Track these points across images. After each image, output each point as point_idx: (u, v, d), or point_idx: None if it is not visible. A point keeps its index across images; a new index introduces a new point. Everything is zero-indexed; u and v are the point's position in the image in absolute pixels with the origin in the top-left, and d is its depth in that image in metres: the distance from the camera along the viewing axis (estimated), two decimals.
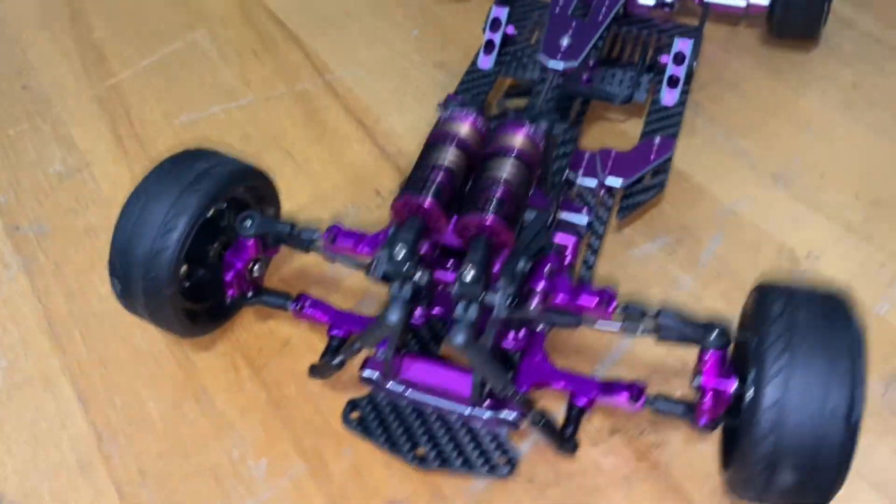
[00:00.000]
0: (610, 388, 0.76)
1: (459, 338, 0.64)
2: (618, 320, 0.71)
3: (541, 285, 0.72)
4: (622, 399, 0.75)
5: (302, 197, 1.01)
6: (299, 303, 0.82)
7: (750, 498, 0.69)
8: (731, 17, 1.25)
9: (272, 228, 0.79)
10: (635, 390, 0.75)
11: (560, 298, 0.72)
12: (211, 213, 0.79)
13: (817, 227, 0.94)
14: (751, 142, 1.05)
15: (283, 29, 1.28)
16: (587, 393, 0.76)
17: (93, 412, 0.83)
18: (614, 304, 0.71)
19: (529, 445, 0.78)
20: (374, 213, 0.99)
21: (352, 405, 0.78)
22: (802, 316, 0.63)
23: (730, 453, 0.73)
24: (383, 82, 1.18)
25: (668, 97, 1.02)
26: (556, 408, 0.74)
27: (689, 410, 0.74)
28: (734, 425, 0.74)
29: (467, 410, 0.75)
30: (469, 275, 0.63)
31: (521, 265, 0.68)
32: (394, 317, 0.66)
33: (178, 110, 1.16)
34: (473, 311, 0.65)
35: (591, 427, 0.79)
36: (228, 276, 0.81)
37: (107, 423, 0.83)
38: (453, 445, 0.75)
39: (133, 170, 1.08)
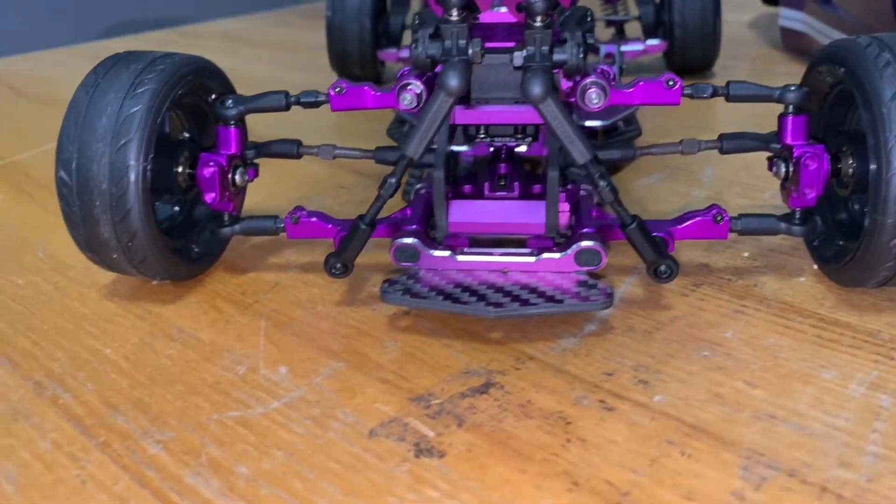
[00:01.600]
0: (684, 218, 0.65)
1: (536, 87, 0.54)
2: (686, 96, 0.64)
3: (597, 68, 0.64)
4: (705, 221, 0.64)
5: (256, 197, 0.88)
6: (294, 214, 0.68)
7: (888, 274, 0.58)
8: (632, 61, 1.34)
9: (256, 106, 0.67)
10: (714, 211, 0.65)
11: (617, 90, 0.64)
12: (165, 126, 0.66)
13: None
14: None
15: None
16: (661, 227, 0.65)
17: (24, 370, 0.60)
18: (680, 82, 0.64)
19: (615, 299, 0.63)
20: (344, 207, 0.87)
21: (388, 282, 0.61)
22: None
23: (844, 246, 0.63)
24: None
25: None
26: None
27: (784, 217, 0.65)
28: (844, 212, 0.65)
29: (538, 256, 0.61)
30: (538, 2, 0.54)
31: (588, 21, 0.60)
32: (452, 79, 0.54)
33: None
34: (546, 56, 0.56)
35: (668, 287, 0.66)
36: (207, 172, 0.65)
37: (48, 374, 0.59)
38: (530, 292, 0.59)
39: (44, 205, 0.91)
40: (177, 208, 0.72)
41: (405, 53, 1.30)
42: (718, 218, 0.65)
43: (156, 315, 0.66)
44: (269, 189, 0.90)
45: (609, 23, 1.37)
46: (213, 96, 0.71)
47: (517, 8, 0.59)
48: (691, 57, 1.28)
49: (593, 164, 0.57)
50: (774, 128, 0.65)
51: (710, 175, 0.90)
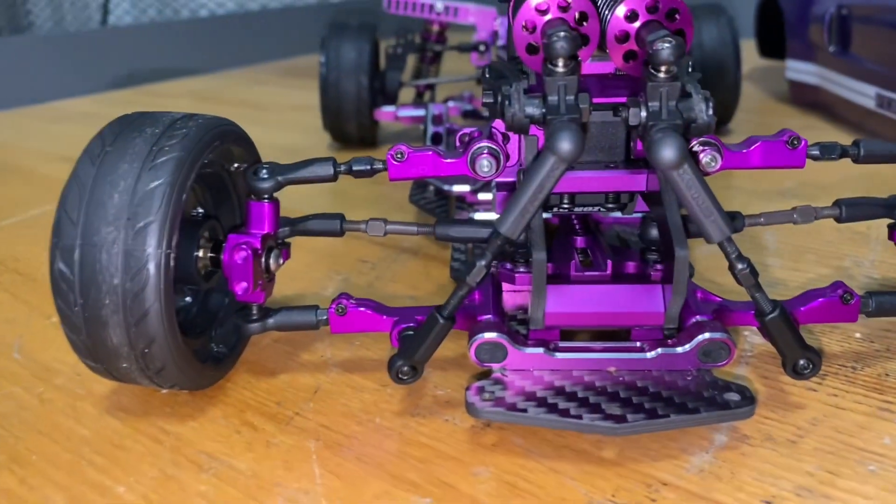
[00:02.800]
0: (808, 298, 0.56)
1: (668, 148, 0.44)
2: (811, 158, 0.55)
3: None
4: (832, 302, 0.55)
5: None
6: (342, 302, 0.56)
7: None
8: None
9: (297, 177, 0.55)
10: (842, 290, 0.55)
11: (733, 151, 0.54)
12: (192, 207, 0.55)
13: None
14: None
15: None
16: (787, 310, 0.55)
17: None
18: (805, 141, 0.54)
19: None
20: (372, 286, 0.75)
21: (475, 389, 0.50)
22: None
23: None
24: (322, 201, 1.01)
25: None
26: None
27: None
28: None
29: (654, 351, 0.51)
30: (666, 44, 0.45)
31: (692, 71, 0.51)
32: (566, 142, 0.44)
33: None
34: (676, 113, 0.46)
35: (787, 379, 0.56)
36: (239, 257, 0.53)
37: None
38: (650, 398, 0.49)
39: (12, 291, 0.77)
40: (189, 299, 0.60)
41: (403, 112, 1.20)
42: (848, 298, 0.55)
43: (175, 436, 0.53)
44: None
45: None
46: (236, 165, 0.60)
47: (624, 57, 0.50)
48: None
49: (730, 242, 0.47)
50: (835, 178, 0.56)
51: (775, 241, 0.81)
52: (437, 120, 1.06)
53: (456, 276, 0.66)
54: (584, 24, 0.49)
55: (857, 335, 0.62)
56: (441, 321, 0.49)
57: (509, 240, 0.47)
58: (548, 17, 0.49)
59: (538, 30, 0.49)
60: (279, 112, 1.62)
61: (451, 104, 1.18)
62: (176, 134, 0.51)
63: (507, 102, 0.48)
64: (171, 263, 0.49)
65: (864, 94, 1.15)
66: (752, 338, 0.61)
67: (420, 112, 1.19)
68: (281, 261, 0.58)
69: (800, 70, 1.37)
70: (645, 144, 0.46)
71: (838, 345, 0.61)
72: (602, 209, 0.57)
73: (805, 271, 0.74)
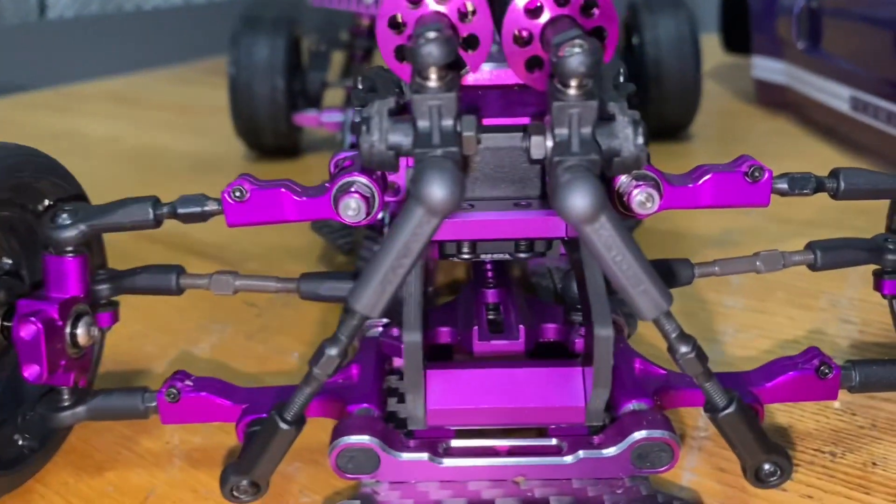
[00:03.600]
0: (773, 371, 0.44)
1: (581, 198, 0.31)
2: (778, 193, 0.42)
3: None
4: (805, 376, 0.43)
5: (130, 327, 0.63)
6: (174, 385, 0.43)
7: None
8: None
9: (107, 223, 0.42)
10: (817, 360, 0.43)
11: (675, 185, 0.42)
12: None
13: None
14: None
15: None
16: (742, 388, 0.43)
17: None
18: (769, 173, 0.42)
19: None
20: (254, 339, 0.62)
21: None
22: None
23: None
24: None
25: None
26: None
27: None
28: None
29: (574, 454, 0.38)
30: (577, 49, 0.32)
31: (623, 82, 0.39)
32: (437, 188, 0.31)
33: None
34: (591, 144, 0.34)
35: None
36: (27, 333, 0.40)
37: None
38: None
39: None
40: None
41: (327, 116, 1.07)
42: (825, 371, 0.43)
43: None
44: (145, 312, 0.65)
45: None
46: (47, 203, 0.46)
47: (526, 65, 0.37)
48: (668, 116, 1.09)
49: (668, 318, 0.35)
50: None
51: (738, 276, 0.69)
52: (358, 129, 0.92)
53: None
54: (472, 19, 0.36)
55: (836, 405, 0.50)
56: (282, 426, 0.36)
57: (368, 317, 0.34)
58: (420, 10, 0.36)
59: (408, 28, 0.36)
60: (197, 115, 1.47)
61: None
62: None
63: (365, 129, 0.35)
64: None
65: (837, 95, 1.04)
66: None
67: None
68: (96, 331, 0.44)
69: (767, 68, 1.25)
70: (550, 187, 0.34)
71: (813, 420, 0.49)
72: (510, 257, 0.44)
73: (772, 314, 0.63)
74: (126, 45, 2.05)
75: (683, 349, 0.35)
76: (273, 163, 1.11)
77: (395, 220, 0.33)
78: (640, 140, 0.35)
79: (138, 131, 1.35)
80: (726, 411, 0.36)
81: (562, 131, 0.34)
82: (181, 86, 1.79)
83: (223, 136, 1.26)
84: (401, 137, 0.35)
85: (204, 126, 1.38)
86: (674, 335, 0.35)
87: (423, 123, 0.34)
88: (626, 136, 0.35)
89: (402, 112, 0.36)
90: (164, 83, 1.83)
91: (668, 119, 1.09)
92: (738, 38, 1.43)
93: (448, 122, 0.34)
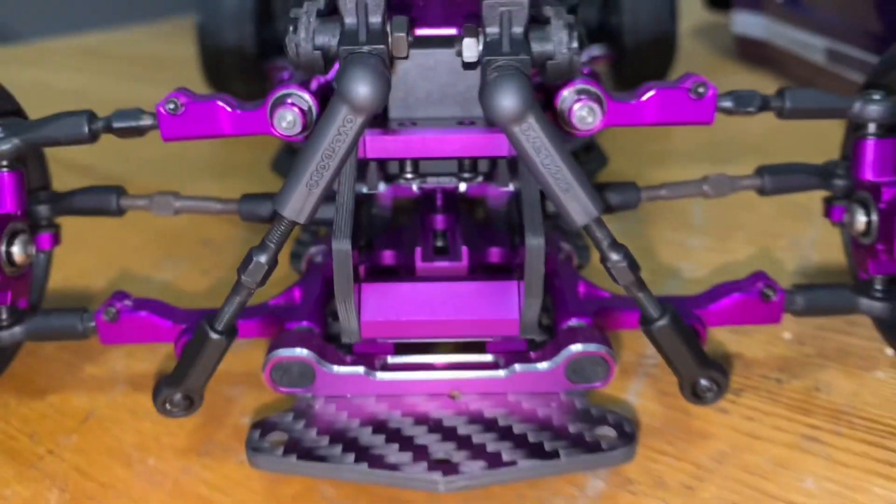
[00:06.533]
0: (719, 294, 0.43)
1: (508, 98, 0.31)
2: (723, 111, 0.42)
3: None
4: (750, 299, 0.43)
5: (83, 263, 0.62)
6: (113, 305, 0.43)
7: None
8: None
9: (41, 137, 0.41)
10: (762, 283, 0.43)
11: (618, 101, 0.41)
12: None
13: None
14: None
15: None
16: (687, 311, 0.42)
17: None
18: (713, 89, 0.41)
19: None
20: (208, 275, 0.61)
21: (263, 427, 0.37)
22: None
23: None
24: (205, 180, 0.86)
25: None
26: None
27: (860, 289, 0.44)
28: None
29: (509, 368, 0.38)
30: None
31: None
32: (362, 88, 0.31)
33: None
34: (522, 44, 0.33)
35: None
36: None
37: None
38: (497, 435, 0.36)
39: None
40: None
41: None
42: (769, 293, 0.43)
43: None
44: (98, 249, 0.64)
45: None
46: None
47: None
48: (644, 68, 1.08)
49: (600, 225, 0.34)
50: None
51: (701, 215, 0.69)
52: None
53: (293, 264, 0.52)
54: None
55: (787, 335, 0.50)
56: (213, 336, 0.36)
57: (297, 224, 0.34)
58: None
59: None
60: (168, 69, 1.45)
61: None
62: None
63: (291, 29, 0.35)
64: None
65: (814, 47, 1.03)
66: None
67: None
68: (34, 250, 0.44)
69: (747, 23, 1.24)
70: (480, 88, 0.33)
71: (762, 348, 0.49)
72: (456, 178, 0.43)
73: (731, 252, 0.62)
74: (101, 1, 2.01)
75: (615, 257, 0.34)
76: None
77: (320, 120, 0.32)
78: (575, 44, 0.35)
79: (106, 84, 1.34)
80: (659, 323, 0.36)
81: (493, 30, 0.33)
82: (155, 40, 1.77)
83: (193, 87, 1.24)
84: (328, 38, 0.34)
85: (174, 78, 1.35)
86: (605, 242, 0.34)
87: (349, 20, 0.33)
88: (560, 39, 0.34)
89: (332, 11, 0.35)
90: (138, 38, 1.81)
91: (644, 70, 1.07)
92: None
93: (376, 20, 0.33)
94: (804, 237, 0.64)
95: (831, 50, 0.98)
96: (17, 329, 0.43)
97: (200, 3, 1.03)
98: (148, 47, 1.70)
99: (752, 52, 1.25)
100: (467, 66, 0.35)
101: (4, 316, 0.43)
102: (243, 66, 1.05)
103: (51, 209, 0.45)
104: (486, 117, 0.32)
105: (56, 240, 0.46)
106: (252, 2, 1.03)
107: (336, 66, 0.37)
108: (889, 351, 0.47)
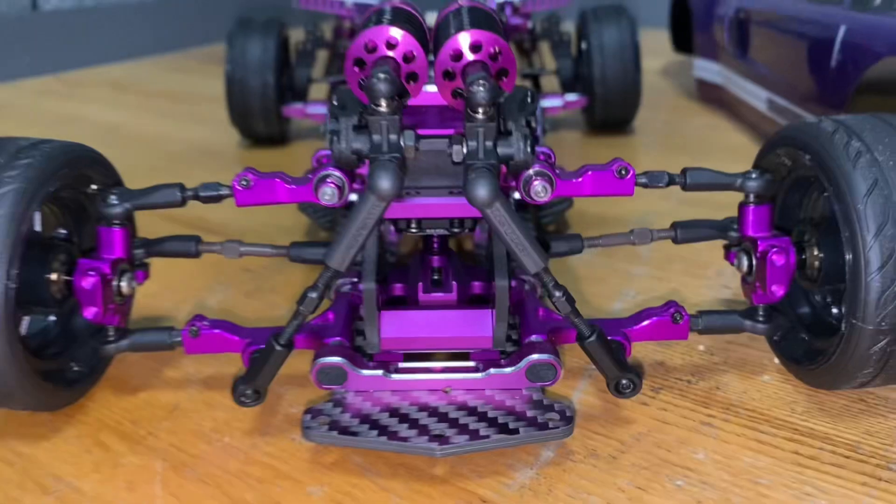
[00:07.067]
0: (641, 317, 0.59)
1: (481, 187, 0.46)
2: (641, 185, 0.57)
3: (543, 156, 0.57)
4: (663, 321, 0.58)
5: (150, 288, 0.77)
6: (195, 325, 0.58)
7: (864, 379, 0.53)
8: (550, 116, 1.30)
9: (145, 202, 0.57)
10: (673, 310, 0.59)
11: (565, 180, 0.57)
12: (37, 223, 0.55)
13: None
14: None
15: None
16: (617, 330, 0.58)
17: None
18: (633, 171, 0.57)
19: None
20: (251, 297, 0.77)
21: (312, 413, 0.52)
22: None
23: (812, 345, 0.58)
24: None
25: None
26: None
27: (747, 314, 0.59)
28: (807, 305, 0.60)
29: (486, 372, 0.53)
30: (481, 87, 0.47)
31: (529, 103, 0.53)
32: (384, 181, 0.46)
33: None
34: (491, 152, 0.49)
35: None
36: (87, 283, 0.55)
37: None
38: (478, 418, 0.51)
39: None
40: (52, 319, 0.61)
41: (312, 108, 1.21)
42: (678, 317, 0.58)
43: (27, 458, 0.54)
44: (162, 276, 0.79)
45: (524, 76, 1.32)
46: (94, 187, 0.61)
47: (452, 94, 0.52)
48: (612, 113, 1.24)
49: (546, 272, 0.49)
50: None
51: (648, 249, 0.85)
52: None
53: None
54: (413, 61, 0.51)
55: (701, 347, 0.66)
56: (277, 348, 0.51)
57: (339, 272, 0.49)
58: (376, 54, 0.51)
59: (367, 67, 0.51)
60: (194, 103, 1.61)
61: None
62: (18, 164, 0.52)
63: (335, 138, 0.50)
64: (12, 294, 0.50)
65: (757, 97, 1.19)
66: None
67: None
68: (135, 284, 0.59)
69: (706, 69, 1.40)
70: (463, 182, 0.48)
71: (681, 357, 0.64)
72: (448, 231, 0.59)
73: (669, 280, 0.78)
74: (121, 34, 2.16)
75: (557, 294, 0.50)
76: (264, 150, 1.25)
77: (356, 204, 0.48)
78: (528, 149, 0.50)
79: (139, 120, 1.49)
80: (589, 339, 0.51)
81: (472, 143, 0.49)
82: (176, 73, 1.92)
83: (218, 124, 1.40)
84: (361, 145, 0.49)
85: (199, 114, 1.52)
86: (550, 284, 0.49)
87: (376, 136, 0.49)
88: (519, 147, 0.50)
89: (363, 126, 0.51)
90: (161, 70, 1.96)
91: (612, 115, 1.24)
92: (684, 40, 1.58)
93: (394, 136, 0.49)
94: (726, 269, 0.79)
95: (771, 100, 1.14)
96: (122, 342, 0.58)
97: (230, 56, 1.18)
98: (170, 80, 1.85)
99: (709, 95, 1.42)
100: (455, 163, 0.50)
101: (111, 333, 0.58)
102: (264, 107, 1.21)
103: (145, 252, 0.60)
104: (469, 202, 0.47)
105: (147, 275, 0.61)
106: (272, 55, 1.19)
107: (366, 164, 0.52)
108: (776, 360, 0.63)
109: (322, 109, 1.21)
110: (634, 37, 1.20)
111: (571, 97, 1.24)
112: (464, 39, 0.50)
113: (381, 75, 0.47)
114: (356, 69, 0.51)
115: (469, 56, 0.50)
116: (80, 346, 0.61)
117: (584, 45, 1.23)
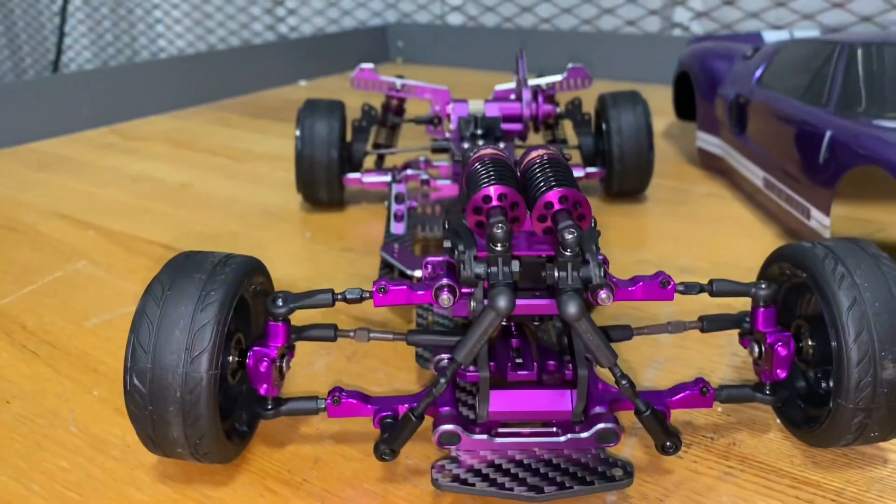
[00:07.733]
0: (677, 390, 0.77)
1: (572, 307, 0.64)
2: (679, 292, 0.75)
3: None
4: (694, 394, 0.76)
5: None
6: (334, 395, 0.75)
7: (846, 442, 0.71)
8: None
9: (304, 304, 0.74)
10: (701, 385, 0.77)
11: (622, 288, 0.75)
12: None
13: None
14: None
15: (170, 250, 1.25)
16: (660, 401, 0.76)
17: None
18: (673, 283, 0.75)
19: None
20: (351, 362, 0.94)
21: (436, 468, 0.70)
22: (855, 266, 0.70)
23: (808, 412, 0.76)
24: (299, 265, 1.19)
25: None
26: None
27: (757, 388, 0.77)
28: (803, 381, 0.78)
29: (565, 436, 0.71)
30: (570, 235, 0.65)
31: (596, 231, 0.71)
32: (503, 302, 0.64)
33: (83, 317, 1.05)
34: (577, 279, 0.66)
35: None
36: (263, 367, 0.72)
37: None
38: (561, 472, 0.69)
39: (52, 365, 0.94)
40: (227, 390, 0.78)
41: (368, 178, 1.39)
42: (705, 391, 0.76)
43: (216, 500, 0.72)
44: None
45: (550, 141, 1.50)
46: (252, 287, 0.78)
47: (543, 232, 0.70)
48: (627, 184, 1.43)
49: (615, 365, 0.67)
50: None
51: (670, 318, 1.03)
52: (400, 198, 1.25)
53: (419, 362, 0.85)
54: (517, 209, 0.69)
55: (719, 409, 0.84)
56: (413, 419, 0.69)
57: (463, 363, 0.67)
58: (490, 204, 0.69)
59: (483, 212, 0.69)
60: (251, 161, 1.78)
61: (409, 171, 1.35)
62: (217, 279, 0.70)
63: (461, 266, 0.68)
64: (216, 381, 0.67)
65: (755, 174, 1.38)
66: None
67: (383, 178, 1.37)
68: (290, 364, 0.76)
69: (707, 141, 1.59)
70: (556, 299, 0.66)
71: (704, 418, 0.83)
72: (530, 323, 0.77)
73: (689, 348, 0.96)
74: (166, 88, 2.33)
75: (624, 382, 0.67)
76: (325, 213, 1.43)
77: (479, 317, 0.65)
78: (602, 275, 0.68)
79: (204, 179, 1.66)
80: (645, 413, 0.69)
81: (562, 274, 0.66)
82: (220, 127, 2.09)
83: (278, 186, 1.57)
84: (482, 271, 0.67)
85: (258, 175, 1.69)
86: (618, 374, 0.67)
87: (493, 268, 0.66)
88: (596, 273, 0.68)
89: (479, 252, 0.68)
90: (205, 123, 2.13)
91: (627, 186, 1.42)
92: (686, 109, 1.77)
93: (507, 268, 0.66)
94: (734, 338, 0.97)
95: (766, 178, 1.33)
96: (281, 409, 0.75)
97: (300, 136, 1.36)
98: (221, 136, 2.02)
99: (711, 164, 1.60)
100: (548, 286, 0.68)
101: (270, 402, 0.76)
102: (328, 177, 1.38)
103: (296, 338, 0.77)
104: (560, 317, 0.65)
105: (293, 354, 0.79)
106: (336, 134, 1.37)
107: (486, 283, 0.70)
108: (778, 421, 0.81)
109: (375, 178, 1.39)
110: (648, 119, 1.39)
111: (592, 169, 1.43)
112: (554, 196, 0.68)
113: (500, 225, 0.65)
114: (475, 214, 0.69)
115: (557, 206, 0.68)
116: (242, 408, 0.78)
117: (603, 126, 1.42)
